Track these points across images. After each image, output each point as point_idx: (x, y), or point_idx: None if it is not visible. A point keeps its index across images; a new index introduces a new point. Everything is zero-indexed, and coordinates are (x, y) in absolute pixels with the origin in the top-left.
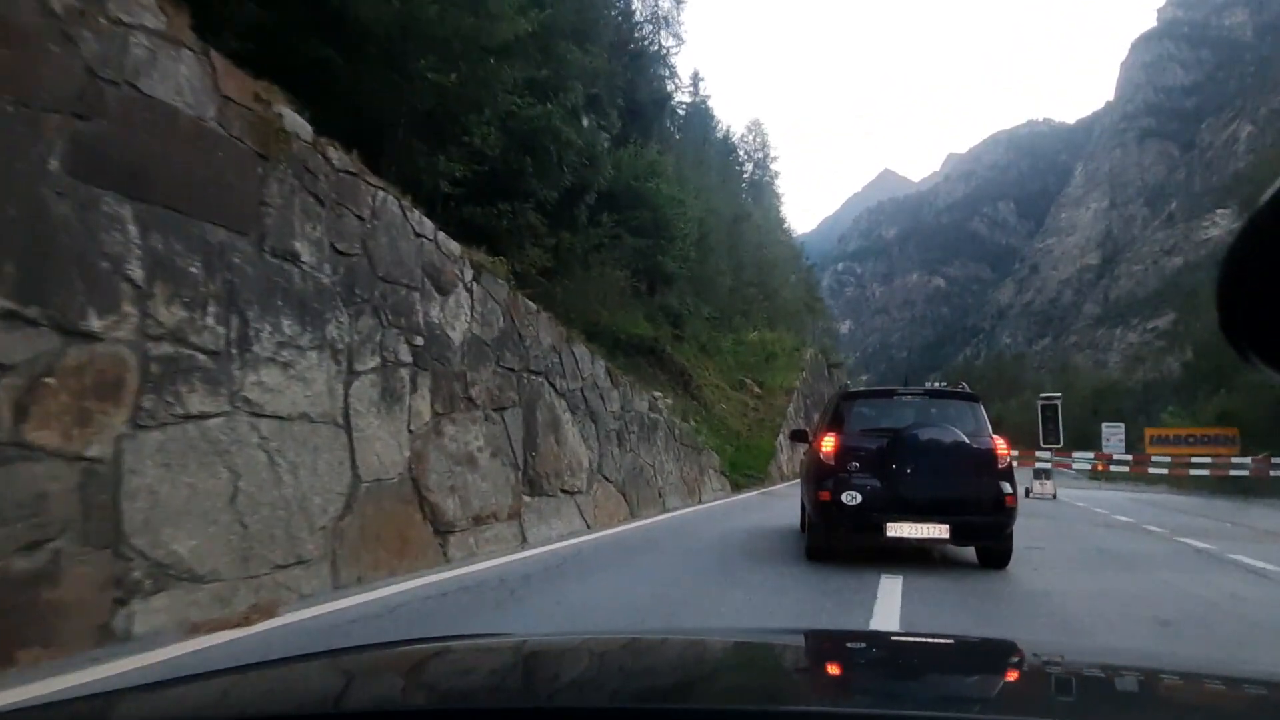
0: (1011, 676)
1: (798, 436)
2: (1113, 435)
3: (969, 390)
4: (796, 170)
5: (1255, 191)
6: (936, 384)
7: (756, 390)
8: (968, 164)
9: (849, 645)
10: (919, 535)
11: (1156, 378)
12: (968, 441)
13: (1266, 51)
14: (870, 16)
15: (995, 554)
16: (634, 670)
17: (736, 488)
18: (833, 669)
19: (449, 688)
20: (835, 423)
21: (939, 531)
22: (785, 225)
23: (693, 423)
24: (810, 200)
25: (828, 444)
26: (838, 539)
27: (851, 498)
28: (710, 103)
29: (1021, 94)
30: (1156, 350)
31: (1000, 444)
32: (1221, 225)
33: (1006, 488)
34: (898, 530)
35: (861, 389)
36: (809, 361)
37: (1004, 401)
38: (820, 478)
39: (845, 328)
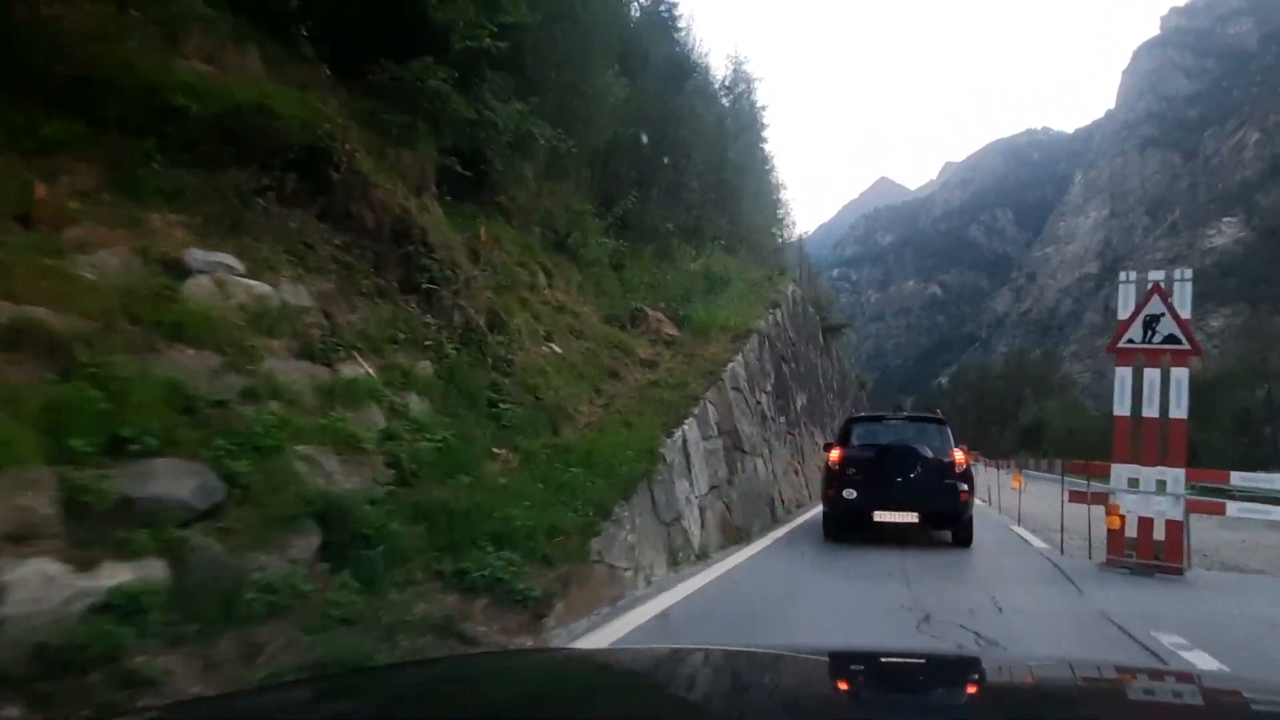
0: (988, 690)
1: (829, 448)
2: None
3: (940, 415)
4: (793, 176)
5: (1265, 199)
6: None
7: (670, 331)
8: (965, 172)
9: (833, 665)
10: (897, 520)
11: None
12: (933, 455)
13: (1271, 60)
14: (869, 24)
15: (960, 537)
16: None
17: None
18: (805, 689)
19: (469, 703)
20: (842, 438)
21: (912, 518)
22: (782, 207)
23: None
24: (806, 207)
25: (834, 455)
26: (842, 523)
27: (849, 494)
28: (687, 33)
29: (1020, 104)
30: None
31: (959, 455)
32: (1227, 233)
33: (962, 487)
34: (882, 517)
35: (862, 414)
36: (790, 299)
37: (1039, 405)
38: (829, 480)
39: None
